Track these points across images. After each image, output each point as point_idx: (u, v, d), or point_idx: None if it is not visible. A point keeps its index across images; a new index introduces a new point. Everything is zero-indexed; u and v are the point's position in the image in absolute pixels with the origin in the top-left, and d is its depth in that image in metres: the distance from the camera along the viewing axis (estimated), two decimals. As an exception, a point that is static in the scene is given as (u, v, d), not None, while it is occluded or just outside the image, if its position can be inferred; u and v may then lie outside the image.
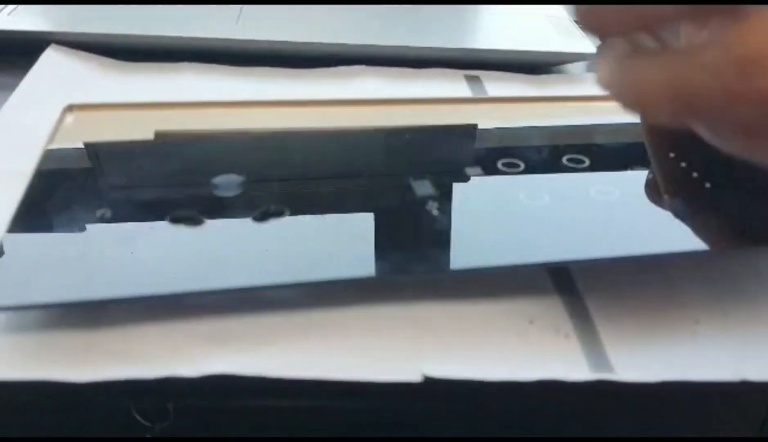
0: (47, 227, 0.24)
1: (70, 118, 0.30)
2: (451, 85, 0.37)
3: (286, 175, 0.29)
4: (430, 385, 0.20)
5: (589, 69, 0.40)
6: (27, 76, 0.34)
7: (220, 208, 0.26)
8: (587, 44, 0.39)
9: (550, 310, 0.23)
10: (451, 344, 0.22)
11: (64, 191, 0.26)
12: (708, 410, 0.23)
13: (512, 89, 0.37)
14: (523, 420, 0.23)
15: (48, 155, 0.28)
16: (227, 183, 0.27)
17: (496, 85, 0.37)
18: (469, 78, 0.37)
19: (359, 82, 0.37)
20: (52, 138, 0.29)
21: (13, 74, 0.35)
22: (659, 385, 0.21)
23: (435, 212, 0.25)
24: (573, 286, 0.24)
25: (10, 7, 0.39)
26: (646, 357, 0.22)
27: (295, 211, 0.25)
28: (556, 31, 0.41)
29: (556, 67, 0.40)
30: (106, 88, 0.35)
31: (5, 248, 0.23)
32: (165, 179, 0.28)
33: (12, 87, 0.33)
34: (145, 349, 0.21)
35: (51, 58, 0.36)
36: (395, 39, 0.38)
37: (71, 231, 0.24)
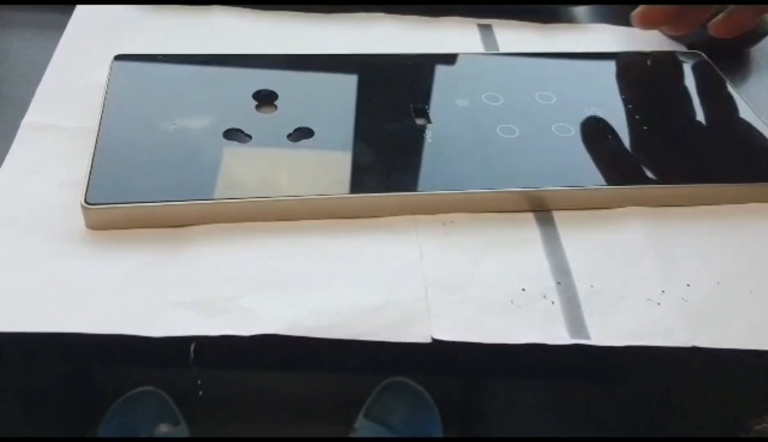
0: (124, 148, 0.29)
1: (119, 68, 0.33)
2: (464, 34, 0.39)
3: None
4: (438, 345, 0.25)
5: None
6: (66, 30, 0.37)
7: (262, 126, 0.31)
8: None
9: (540, 277, 0.27)
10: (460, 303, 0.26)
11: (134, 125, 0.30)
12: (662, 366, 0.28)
13: (522, 40, 0.39)
14: (512, 370, 0.28)
15: (108, 107, 0.31)
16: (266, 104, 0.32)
17: (507, 34, 0.39)
18: (481, 27, 0.40)
19: (378, 28, 0.39)
20: (107, 89, 0.32)
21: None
22: (625, 348, 0.25)
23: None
24: (561, 249, 0.28)
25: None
26: (617, 324, 0.26)
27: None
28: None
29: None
30: (143, 35, 0.37)
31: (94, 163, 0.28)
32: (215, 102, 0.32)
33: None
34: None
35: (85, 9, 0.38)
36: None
37: (143, 147, 0.29)
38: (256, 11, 0.39)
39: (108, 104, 0.31)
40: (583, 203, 0.30)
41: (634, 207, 0.30)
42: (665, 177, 0.30)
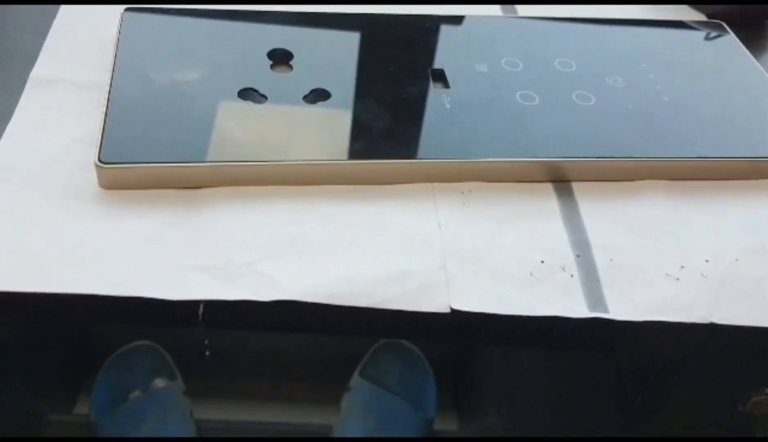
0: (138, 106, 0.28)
1: (130, 20, 0.32)
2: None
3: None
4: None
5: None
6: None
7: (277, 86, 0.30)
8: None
9: (559, 249, 0.27)
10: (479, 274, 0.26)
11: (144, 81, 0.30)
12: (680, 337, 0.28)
13: (542, 4, 0.39)
14: (531, 339, 0.28)
15: (120, 61, 0.30)
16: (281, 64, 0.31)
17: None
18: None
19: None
20: (118, 42, 0.31)
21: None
22: (644, 323, 0.25)
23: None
24: (580, 222, 0.28)
25: None
26: (636, 298, 0.26)
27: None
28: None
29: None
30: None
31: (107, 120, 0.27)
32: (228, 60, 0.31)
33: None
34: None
35: None
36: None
37: (158, 106, 0.29)
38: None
39: (119, 58, 0.30)
40: (602, 175, 0.29)
41: (654, 180, 0.30)
42: (686, 150, 0.30)
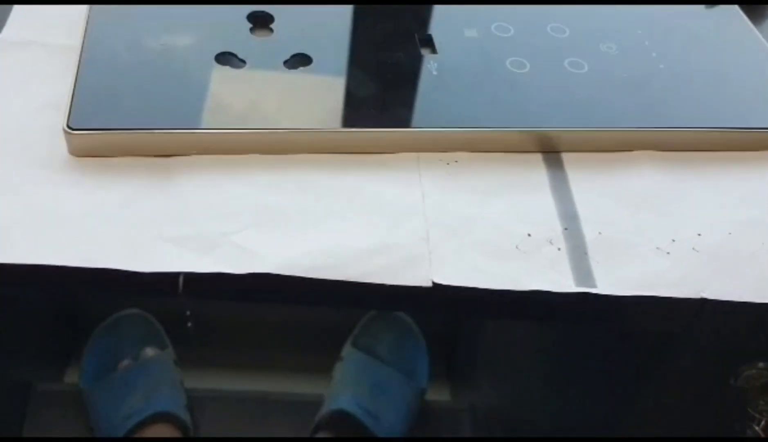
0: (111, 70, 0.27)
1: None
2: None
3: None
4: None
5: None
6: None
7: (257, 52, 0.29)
8: None
9: (547, 222, 0.26)
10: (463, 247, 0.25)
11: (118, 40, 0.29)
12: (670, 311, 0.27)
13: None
14: (516, 313, 0.27)
15: (92, 23, 0.29)
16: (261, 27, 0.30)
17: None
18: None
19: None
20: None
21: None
22: (632, 297, 0.25)
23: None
24: (569, 193, 0.27)
25: None
26: (625, 272, 0.25)
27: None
28: None
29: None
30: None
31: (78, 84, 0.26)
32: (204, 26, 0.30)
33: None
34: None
35: None
36: None
37: (131, 70, 0.27)
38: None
39: (92, 21, 0.29)
40: (594, 146, 0.28)
41: (647, 151, 0.29)
42: (680, 120, 0.29)
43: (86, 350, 0.66)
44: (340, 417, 0.63)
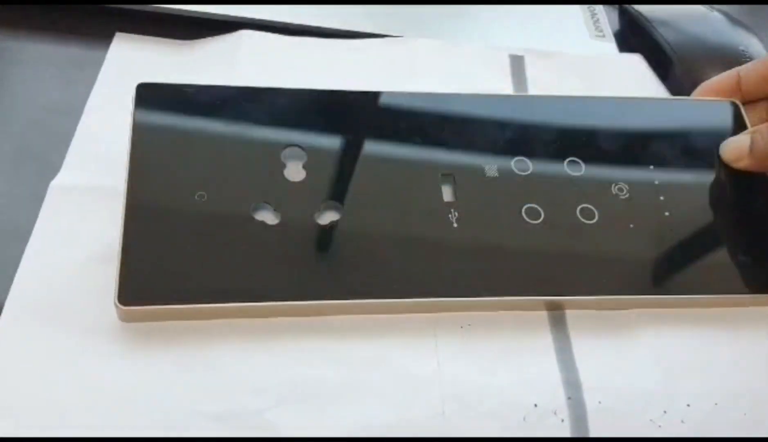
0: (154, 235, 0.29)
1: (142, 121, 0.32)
2: (494, 65, 0.38)
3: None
4: None
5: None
6: (103, 66, 0.36)
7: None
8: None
9: (552, 391, 0.29)
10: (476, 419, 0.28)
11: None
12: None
13: (554, 73, 0.38)
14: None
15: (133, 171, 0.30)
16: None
17: (538, 66, 0.38)
18: (512, 58, 0.38)
19: (408, 48, 0.38)
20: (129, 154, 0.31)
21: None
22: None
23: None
24: (572, 358, 0.30)
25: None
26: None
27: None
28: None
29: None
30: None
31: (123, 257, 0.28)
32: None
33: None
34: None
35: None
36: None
37: (173, 234, 0.29)
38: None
39: (132, 168, 0.30)
40: (598, 307, 0.31)
41: (645, 310, 0.31)
42: (680, 286, 0.31)
43: None
44: None
